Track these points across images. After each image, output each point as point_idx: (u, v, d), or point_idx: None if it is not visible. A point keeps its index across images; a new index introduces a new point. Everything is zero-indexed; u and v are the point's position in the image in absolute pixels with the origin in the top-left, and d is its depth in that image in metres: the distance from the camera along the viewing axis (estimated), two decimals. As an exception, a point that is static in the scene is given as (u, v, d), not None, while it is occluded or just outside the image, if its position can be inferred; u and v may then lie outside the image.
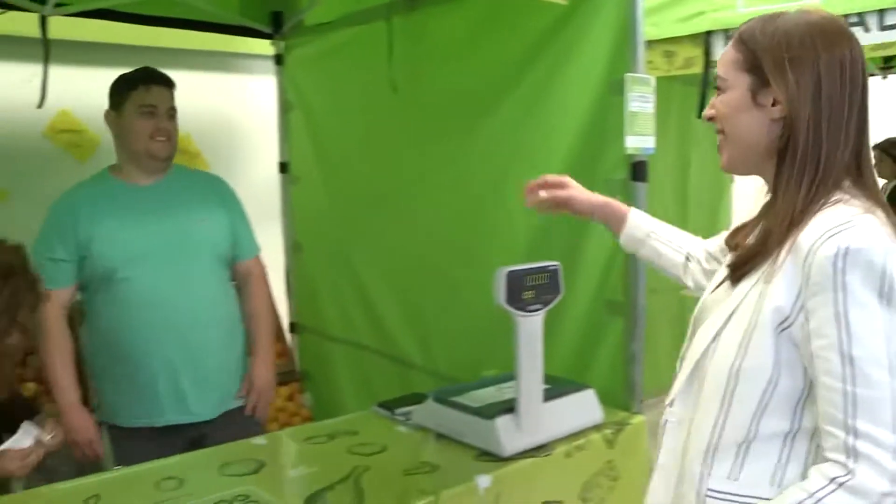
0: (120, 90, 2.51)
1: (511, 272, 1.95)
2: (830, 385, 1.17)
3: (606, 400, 2.33)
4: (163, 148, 2.47)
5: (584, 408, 2.25)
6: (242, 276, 2.74)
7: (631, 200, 2.22)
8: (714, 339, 1.33)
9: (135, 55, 3.92)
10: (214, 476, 1.98)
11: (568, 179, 1.89)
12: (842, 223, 1.19)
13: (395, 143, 3.13)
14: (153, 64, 4.00)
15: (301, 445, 2.20)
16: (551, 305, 2.06)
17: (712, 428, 1.32)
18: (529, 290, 2.00)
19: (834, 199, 1.24)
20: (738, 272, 1.33)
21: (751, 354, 1.26)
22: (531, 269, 2.01)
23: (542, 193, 1.87)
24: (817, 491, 1.17)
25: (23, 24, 3.44)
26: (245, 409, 2.62)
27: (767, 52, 1.27)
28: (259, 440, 2.24)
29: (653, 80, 2.31)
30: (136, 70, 2.56)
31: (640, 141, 2.28)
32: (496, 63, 2.66)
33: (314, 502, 1.80)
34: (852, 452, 1.15)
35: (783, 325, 1.23)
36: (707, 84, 3.30)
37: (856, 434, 1.15)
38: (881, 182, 5.70)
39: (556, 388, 2.20)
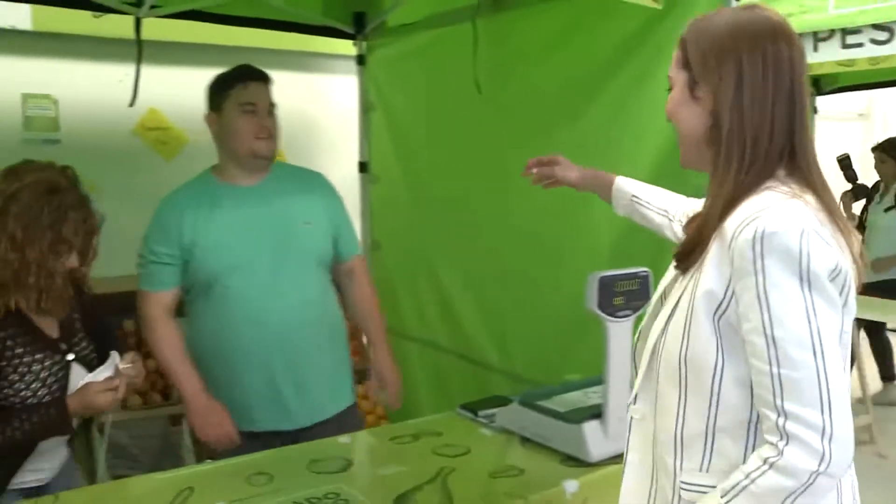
0: (218, 90, 2.48)
1: (603, 277, 1.94)
2: (759, 368, 1.19)
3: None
4: (266, 146, 2.42)
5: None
6: (345, 274, 2.68)
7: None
8: (663, 331, 1.34)
9: (220, 55, 4.02)
10: (304, 473, 2.01)
11: (559, 157, 2.06)
12: (762, 208, 1.20)
13: (478, 144, 3.14)
14: (236, 63, 4.12)
15: (386, 445, 2.22)
16: (640, 312, 2.04)
17: (675, 420, 1.32)
18: (620, 296, 1.98)
19: (764, 186, 1.26)
20: (682, 263, 1.34)
21: (692, 342, 1.27)
22: (622, 274, 2.00)
23: (534, 171, 2.07)
24: (752, 471, 1.19)
25: (116, 26, 3.56)
26: (364, 403, 2.61)
27: (696, 48, 1.31)
28: (344, 438, 2.26)
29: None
30: (232, 69, 2.52)
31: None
32: (584, 65, 2.65)
33: (403, 503, 1.82)
34: (783, 433, 1.16)
35: (718, 312, 1.24)
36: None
37: (785, 415, 1.16)
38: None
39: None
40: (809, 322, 1.16)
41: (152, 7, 3.05)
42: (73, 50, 3.71)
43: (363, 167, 3.83)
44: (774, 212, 1.19)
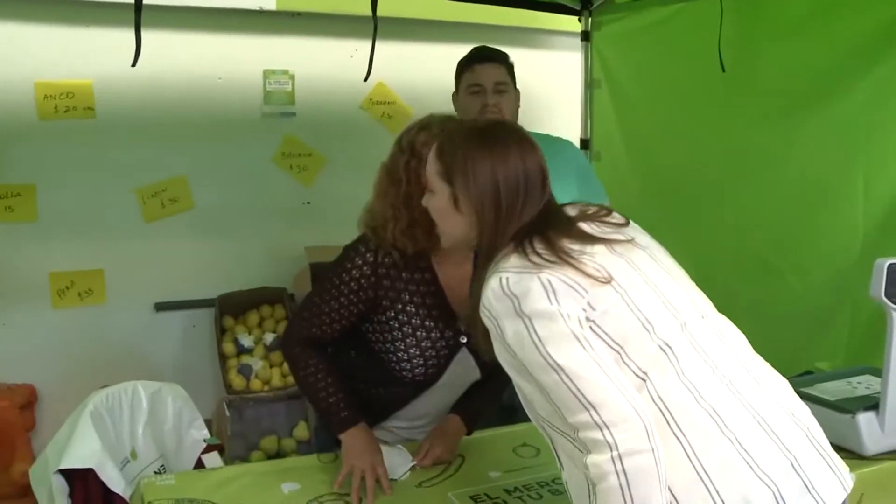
0: (456, 73, 2.63)
1: (892, 265, 1.86)
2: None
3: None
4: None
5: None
6: None
7: None
8: None
9: (446, 30, 4.13)
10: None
11: None
12: None
13: (714, 124, 3.07)
14: (461, 38, 4.20)
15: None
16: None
17: None
18: (907, 284, 1.90)
19: None
20: None
21: None
22: (909, 263, 1.91)
23: None
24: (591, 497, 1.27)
25: (348, 2, 3.73)
26: None
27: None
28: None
29: None
30: (469, 52, 2.64)
31: None
32: (848, 41, 2.54)
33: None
34: (582, 446, 1.27)
35: None
36: None
37: (574, 429, 1.27)
38: None
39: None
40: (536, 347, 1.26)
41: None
42: (310, 27, 3.90)
43: (584, 144, 3.82)
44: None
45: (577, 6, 3.77)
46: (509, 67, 2.59)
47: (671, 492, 1.24)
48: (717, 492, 1.24)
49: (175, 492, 1.78)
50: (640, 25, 3.44)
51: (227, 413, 3.43)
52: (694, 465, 1.26)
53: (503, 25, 4.04)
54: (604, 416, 1.21)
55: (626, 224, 1.50)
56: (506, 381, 1.72)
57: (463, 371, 1.95)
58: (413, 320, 1.88)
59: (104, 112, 3.56)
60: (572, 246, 1.36)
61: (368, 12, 3.22)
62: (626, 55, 3.57)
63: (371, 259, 1.85)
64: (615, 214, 1.51)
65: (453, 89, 2.67)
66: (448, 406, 2.03)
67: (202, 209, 3.74)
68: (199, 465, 2.76)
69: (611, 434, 1.20)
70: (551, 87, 4.04)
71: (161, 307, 3.76)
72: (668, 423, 1.27)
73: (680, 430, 1.27)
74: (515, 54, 4.25)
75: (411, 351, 1.88)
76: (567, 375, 1.24)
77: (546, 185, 1.49)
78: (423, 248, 1.83)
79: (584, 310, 1.29)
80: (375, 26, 3.23)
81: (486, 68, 2.54)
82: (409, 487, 1.83)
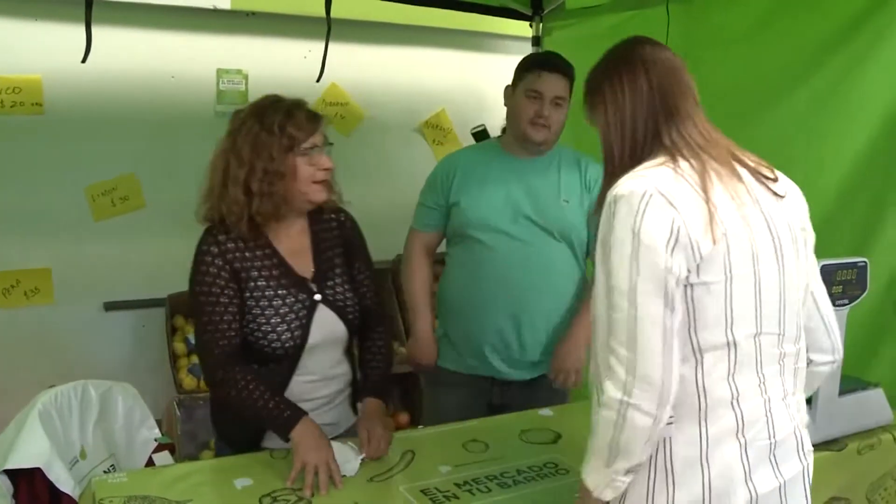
0: (519, 70, 2.62)
1: (823, 266, 1.94)
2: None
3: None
4: (539, 133, 2.53)
5: (873, 406, 2.20)
6: None
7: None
8: None
9: (400, 33, 4.17)
10: (516, 442, 2.11)
11: None
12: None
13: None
14: (413, 41, 4.24)
15: (588, 420, 2.26)
16: (857, 302, 2.03)
17: None
18: (838, 284, 1.99)
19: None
20: None
21: None
22: (841, 264, 2.00)
23: None
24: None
25: (302, 3, 3.74)
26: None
27: (585, 90, 1.59)
28: (546, 412, 2.36)
29: None
30: (539, 53, 2.71)
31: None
32: (790, 49, 2.62)
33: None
34: (606, 369, 1.36)
35: None
36: None
37: (609, 350, 1.36)
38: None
39: (847, 384, 2.16)
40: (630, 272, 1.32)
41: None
42: (265, 27, 3.90)
43: (535, 147, 3.88)
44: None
45: (529, 11, 3.83)
46: (571, 81, 2.59)
47: (672, 462, 1.37)
48: (710, 478, 1.36)
49: (127, 489, 1.78)
50: (591, 32, 3.50)
51: (178, 413, 3.41)
52: (702, 450, 1.37)
53: (456, 29, 4.09)
54: (639, 365, 1.31)
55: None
56: (384, 341, 2.15)
57: (328, 327, 2.06)
58: (267, 292, 2.00)
59: (53, 108, 3.51)
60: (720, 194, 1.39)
61: (322, 13, 3.25)
62: (577, 61, 3.60)
63: (216, 250, 1.98)
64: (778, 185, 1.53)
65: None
66: (334, 365, 2.12)
67: (153, 208, 3.71)
68: (150, 464, 2.76)
69: (633, 382, 1.31)
70: (501, 90, 4.10)
71: (111, 307, 3.72)
72: (699, 409, 1.38)
73: (706, 420, 1.38)
74: (467, 58, 4.35)
75: (273, 320, 1.98)
76: (635, 311, 1.31)
77: None
78: (261, 228, 2.00)
79: (689, 272, 1.34)
80: (329, 28, 3.25)
81: (552, 78, 2.54)
82: (361, 482, 1.86)
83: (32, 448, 2.40)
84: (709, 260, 1.34)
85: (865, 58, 2.39)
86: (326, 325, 2.05)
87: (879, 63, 2.36)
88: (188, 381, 3.53)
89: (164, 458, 2.81)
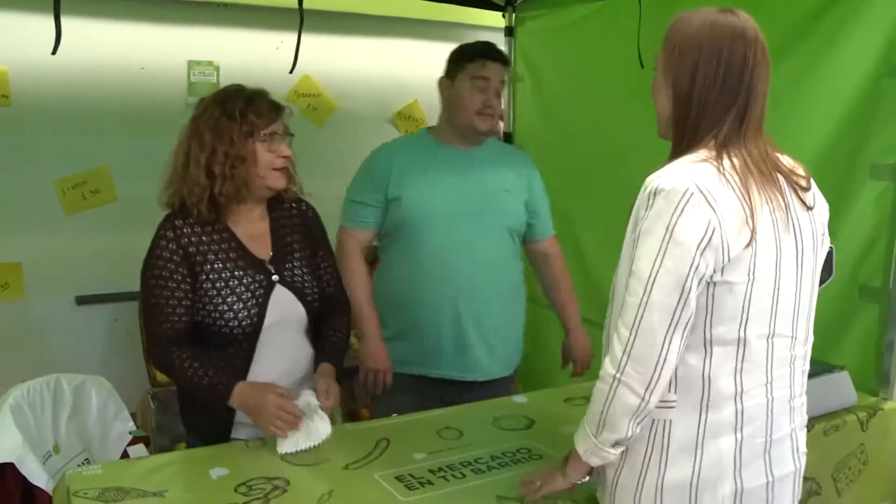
0: (457, 60, 2.60)
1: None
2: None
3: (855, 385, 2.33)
4: (486, 123, 2.54)
5: (839, 389, 2.25)
6: (541, 255, 2.80)
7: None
8: None
9: (372, 24, 4.16)
10: (490, 429, 2.13)
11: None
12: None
13: (634, 119, 3.13)
14: (386, 32, 4.24)
15: (561, 406, 2.32)
16: (823, 286, 2.06)
17: None
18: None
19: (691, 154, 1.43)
20: None
21: None
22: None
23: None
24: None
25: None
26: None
27: (669, 41, 1.49)
28: (519, 398, 2.38)
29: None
30: (476, 43, 2.66)
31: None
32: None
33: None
34: (609, 345, 1.42)
35: None
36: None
37: (615, 329, 1.41)
38: None
39: (814, 367, 2.20)
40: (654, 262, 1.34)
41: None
42: (236, 18, 3.88)
43: (507, 137, 3.90)
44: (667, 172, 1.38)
45: (502, 2, 3.83)
46: (509, 68, 2.65)
47: (668, 443, 1.43)
48: (701, 466, 1.42)
49: (102, 481, 1.78)
50: (563, 22, 3.52)
51: (152, 405, 3.41)
52: (698, 437, 1.42)
53: (428, 20, 4.10)
54: (636, 347, 1.35)
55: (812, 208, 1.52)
56: (345, 326, 2.16)
57: (286, 308, 2.08)
58: (223, 274, 2.02)
59: (20, 100, 3.48)
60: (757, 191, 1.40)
61: (295, 4, 3.22)
62: (549, 51, 3.65)
63: (171, 234, 2.00)
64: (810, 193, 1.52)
65: (439, 75, 2.67)
66: (296, 347, 2.13)
67: (125, 201, 3.70)
68: (125, 457, 2.75)
69: (627, 361, 1.36)
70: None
71: (83, 301, 3.70)
72: (702, 399, 1.43)
73: (707, 410, 1.42)
74: (440, 49, 4.27)
75: (230, 300, 2.00)
76: (647, 299, 1.34)
77: None
78: (221, 212, 2.03)
79: (715, 271, 1.36)
80: (302, 18, 3.23)
81: (495, 67, 2.55)
82: (336, 470, 1.87)
83: (4, 443, 2.39)
84: (736, 261, 1.37)
85: (823, 52, 2.43)
86: (284, 306, 2.07)
87: (837, 57, 2.40)
88: (162, 374, 3.52)
89: (138, 450, 2.81)
